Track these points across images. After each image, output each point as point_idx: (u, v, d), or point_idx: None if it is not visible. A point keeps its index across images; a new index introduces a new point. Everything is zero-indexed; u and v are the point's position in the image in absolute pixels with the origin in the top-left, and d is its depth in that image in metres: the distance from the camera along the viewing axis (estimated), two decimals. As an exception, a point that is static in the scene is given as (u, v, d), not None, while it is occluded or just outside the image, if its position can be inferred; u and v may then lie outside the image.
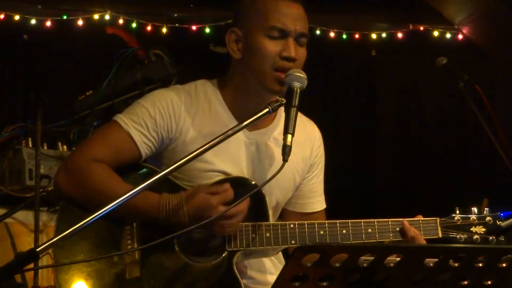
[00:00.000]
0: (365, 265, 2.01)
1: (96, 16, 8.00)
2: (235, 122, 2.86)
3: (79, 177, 2.78)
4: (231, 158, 2.87)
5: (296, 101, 2.65)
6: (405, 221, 2.83)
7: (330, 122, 8.54)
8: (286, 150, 2.57)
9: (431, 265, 2.04)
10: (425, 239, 2.83)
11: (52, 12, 8.00)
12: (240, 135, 2.85)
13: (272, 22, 2.81)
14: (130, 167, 2.84)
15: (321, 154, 3.11)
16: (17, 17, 7.88)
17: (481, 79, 7.63)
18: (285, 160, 2.55)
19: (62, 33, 7.95)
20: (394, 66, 8.77)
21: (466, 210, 2.87)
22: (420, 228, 2.85)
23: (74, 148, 4.35)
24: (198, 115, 2.88)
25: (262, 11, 2.84)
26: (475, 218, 2.85)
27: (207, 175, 2.83)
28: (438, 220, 2.87)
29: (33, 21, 7.93)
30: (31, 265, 2.07)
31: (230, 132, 2.53)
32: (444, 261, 2.04)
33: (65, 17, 7.98)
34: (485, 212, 2.86)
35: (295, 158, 2.88)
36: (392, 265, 2.02)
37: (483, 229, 2.83)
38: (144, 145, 2.83)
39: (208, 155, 2.70)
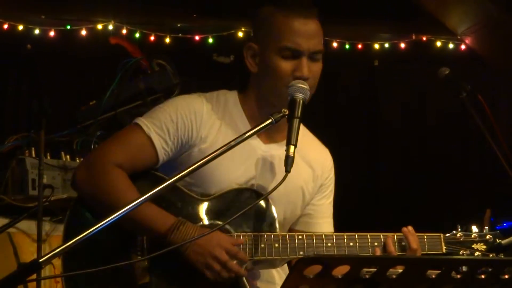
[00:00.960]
0: (367, 276, 2.01)
1: (99, 26, 8.01)
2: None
3: (98, 179, 2.81)
4: (244, 169, 2.89)
5: (298, 112, 2.67)
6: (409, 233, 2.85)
7: (333, 133, 8.54)
8: (288, 161, 2.58)
9: (434, 277, 2.04)
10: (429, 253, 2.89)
11: (56, 22, 8.02)
12: (256, 146, 2.89)
13: (285, 42, 2.83)
14: (142, 175, 2.86)
15: (332, 177, 3.14)
16: (20, 27, 7.89)
17: (484, 89, 7.65)
18: (287, 171, 2.57)
19: (66, 43, 7.96)
20: (397, 76, 8.77)
21: (467, 228, 2.94)
22: (425, 242, 2.88)
23: (96, 147, 4.34)
24: (217, 123, 2.91)
25: (275, 29, 2.86)
26: (476, 236, 2.90)
27: (219, 183, 2.85)
28: (442, 236, 2.92)
29: (36, 31, 7.94)
30: (34, 276, 2.07)
31: (233, 143, 2.53)
32: (447, 273, 2.04)
33: (68, 27, 8.00)
34: (485, 230, 2.91)
35: (306, 175, 2.90)
36: (394, 276, 2.02)
37: (484, 247, 2.89)
38: (163, 150, 2.85)
39: (222, 164, 2.73)
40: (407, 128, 8.79)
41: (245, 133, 2.58)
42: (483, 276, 2.07)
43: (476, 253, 2.87)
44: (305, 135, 3.03)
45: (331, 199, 3.13)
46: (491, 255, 2.87)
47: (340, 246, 2.83)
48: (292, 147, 2.60)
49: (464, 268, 2.06)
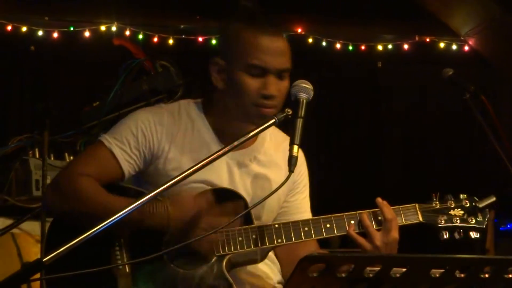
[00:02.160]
0: (371, 275, 2.01)
1: (103, 28, 8.03)
2: (217, 142, 2.91)
3: (67, 190, 2.81)
4: (214, 177, 2.89)
5: (302, 112, 2.66)
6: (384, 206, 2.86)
7: (335, 133, 8.55)
8: (292, 161, 2.58)
9: (437, 275, 2.04)
10: (406, 225, 2.87)
11: (59, 23, 8.04)
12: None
13: (252, 60, 2.82)
14: (114, 189, 2.84)
15: (304, 172, 3.13)
16: (24, 29, 7.91)
17: (487, 90, 7.65)
18: (291, 171, 2.56)
19: (69, 44, 7.98)
20: (400, 77, 8.77)
21: (442, 197, 2.93)
22: (401, 214, 2.88)
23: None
24: (180, 134, 2.92)
25: (243, 46, 2.84)
26: (452, 202, 2.90)
27: (188, 190, 2.84)
28: (417, 206, 2.91)
29: (40, 33, 7.96)
30: (38, 275, 2.07)
31: (219, 154, 2.50)
32: (450, 272, 2.04)
33: (72, 29, 8.01)
34: (461, 196, 2.91)
35: (278, 178, 2.89)
36: (398, 275, 2.02)
37: (461, 212, 2.88)
38: (127, 163, 2.87)
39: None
40: (410, 130, 8.78)
41: (241, 139, 2.56)
42: (487, 275, 2.07)
43: (454, 219, 2.86)
44: (272, 134, 3.04)
45: (305, 193, 3.13)
46: (469, 219, 2.86)
47: (317, 229, 2.82)
48: (295, 147, 2.59)
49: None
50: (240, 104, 2.85)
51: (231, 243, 2.78)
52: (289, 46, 2.91)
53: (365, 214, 2.87)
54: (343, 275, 2.00)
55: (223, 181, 2.91)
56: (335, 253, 2.51)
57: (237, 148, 2.76)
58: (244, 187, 2.93)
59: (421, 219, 2.89)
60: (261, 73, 2.82)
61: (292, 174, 2.95)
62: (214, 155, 2.48)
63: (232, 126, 2.90)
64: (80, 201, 2.77)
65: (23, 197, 4.50)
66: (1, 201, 4.40)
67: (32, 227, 4.47)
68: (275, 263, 3.05)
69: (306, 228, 2.82)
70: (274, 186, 2.80)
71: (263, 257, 2.91)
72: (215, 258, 2.77)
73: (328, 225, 2.84)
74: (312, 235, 2.83)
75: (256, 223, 2.87)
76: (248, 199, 2.86)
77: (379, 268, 2.01)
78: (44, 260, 2.04)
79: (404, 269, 2.02)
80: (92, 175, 2.83)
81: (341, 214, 2.86)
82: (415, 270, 2.01)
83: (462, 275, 2.05)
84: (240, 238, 2.79)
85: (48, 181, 4.27)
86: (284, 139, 3.00)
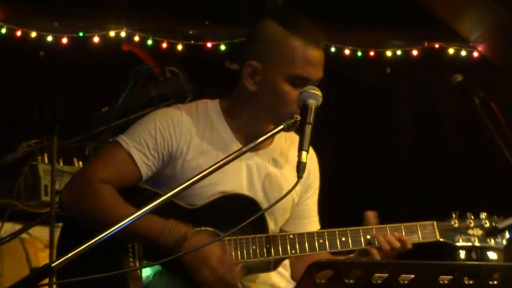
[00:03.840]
0: (379, 282, 2.01)
1: (112, 33, 8.04)
2: (236, 143, 2.90)
3: (85, 197, 2.81)
4: (232, 179, 2.88)
5: (311, 118, 2.66)
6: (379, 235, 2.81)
7: (344, 140, 8.54)
8: (301, 167, 2.56)
9: (446, 282, 2.03)
10: (423, 243, 2.84)
11: (69, 29, 8.06)
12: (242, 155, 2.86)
13: (298, 71, 2.80)
14: (131, 190, 2.85)
15: (317, 176, 3.13)
16: (33, 34, 7.93)
17: (497, 96, 7.63)
18: (299, 176, 2.55)
19: (78, 50, 7.99)
20: (409, 83, 8.76)
21: (462, 215, 2.88)
22: (418, 231, 2.85)
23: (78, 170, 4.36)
24: (198, 134, 2.89)
25: (288, 54, 2.81)
26: (471, 222, 2.86)
27: (205, 197, 2.84)
28: (435, 223, 2.88)
29: (49, 38, 7.98)
30: (46, 281, 2.07)
31: (237, 153, 2.50)
32: (459, 279, 2.04)
33: (81, 34, 8.03)
34: (481, 216, 2.88)
35: (294, 179, 2.89)
36: (406, 282, 2.02)
37: (480, 232, 2.85)
38: (144, 165, 2.85)
39: (209, 177, 2.71)
40: (419, 136, 8.77)
41: (249, 144, 2.56)
42: (495, 282, 2.06)
43: (473, 239, 2.83)
44: (287, 136, 3.02)
45: (316, 197, 3.13)
46: (488, 239, 2.83)
47: (332, 242, 2.81)
48: (304, 153, 2.58)
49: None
50: (273, 109, 2.83)
51: (244, 252, 2.77)
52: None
53: (381, 237, 2.82)
54: (351, 281, 1.99)
55: (243, 184, 2.89)
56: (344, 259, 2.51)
57: (254, 149, 2.78)
58: (262, 188, 2.92)
59: (438, 237, 2.86)
60: (302, 84, 2.79)
61: (307, 176, 2.97)
62: (231, 156, 2.46)
63: (255, 128, 2.88)
64: (97, 209, 2.77)
65: (31, 202, 4.51)
66: (10, 206, 4.40)
67: (41, 232, 4.47)
68: (287, 269, 3.04)
69: (321, 241, 2.80)
70: (290, 186, 2.81)
71: (276, 266, 2.91)
72: None
73: (343, 239, 2.82)
74: (326, 247, 2.81)
75: (270, 224, 2.87)
76: (266, 199, 2.86)
77: (387, 275, 2.00)
78: (53, 265, 2.04)
79: (412, 276, 2.02)
80: (110, 179, 2.81)
81: (357, 228, 2.84)
82: (423, 277, 2.01)
83: (471, 282, 2.04)
84: (254, 247, 2.77)
85: (57, 186, 4.27)
86: (295, 138, 3.00)
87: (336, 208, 3.22)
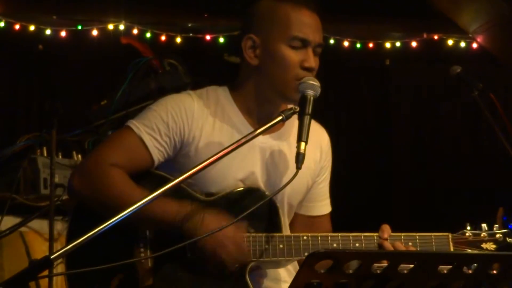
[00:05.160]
0: (378, 272, 2.01)
1: (110, 26, 8.03)
2: (248, 127, 2.89)
3: (95, 181, 2.79)
4: (245, 164, 2.87)
5: (309, 109, 2.66)
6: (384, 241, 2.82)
7: (344, 131, 8.53)
8: (299, 158, 2.57)
9: (445, 272, 2.03)
10: None
11: (67, 22, 8.05)
12: (254, 139, 2.85)
13: (295, 32, 2.83)
14: (143, 175, 2.84)
15: (330, 158, 3.12)
16: (32, 28, 7.93)
17: (496, 88, 7.64)
18: (298, 167, 2.55)
19: (77, 43, 7.99)
20: (409, 75, 8.75)
21: (476, 226, 2.89)
22: (432, 243, 2.85)
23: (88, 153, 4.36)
24: (210, 120, 2.89)
25: (283, 20, 2.85)
26: (485, 235, 2.87)
27: (221, 181, 2.84)
28: (450, 236, 2.87)
29: (48, 32, 7.97)
30: (46, 272, 2.07)
31: (243, 140, 2.52)
32: (458, 268, 2.04)
33: (80, 27, 8.02)
34: (495, 228, 2.88)
35: (307, 162, 2.88)
36: (405, 272, 2.01)
37: (494, 246, 2.85)
38: (156, 150, 2.83)
39: (222, 161, 2.65)
40: (418, 127, 8.77)
41: (254, 131, 2.57)
42: (495, 272, 2.06)
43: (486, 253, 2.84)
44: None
45: (328, 180, 3.13)
46: None
47: (346, 247, 2.81)
48: (303, 144, 2.58)
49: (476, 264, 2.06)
50: (280, 79, 2.84)
51: (257, 251, 2.76)
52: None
53: (398, 243, 2.82)
54: (351, 271, 1.99)
55: (256, 169, 2.88)
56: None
57: (267, 131, 2.77)
58: (275, 172, 2.91)
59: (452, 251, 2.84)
60: (301, 46, 2.83)
61: (319, 158, 2.97)
62: (240, 141, 2.49)
63: (263, 108, 2.89)
64: (107, 192, 2.76)
65: (31, 195, 4.51)
66: (10, 199, 4.40)
67: (41, 225, 4.47)
68: (294, 265, 3.03)
69: (334, 245, 2.80)
70: (304, 170, 2.81)
71: (287, 263, 2.92)
72: (238, 264, 2.75)
73: (357, 244, 2.82)
74: None
75: (285, 210, 2.89)
76: (279, 182, 2.84)
77: (386, 265, 2.00)
78: (52, 257, 2.03)
79: (411, 266, 2.02)
80: (121, 163, 2.80)
81: (372, 234, 2.84)
82: (422, 266, 2.01)
83: (470, 272, 2.05)
84: (266, 246, 2.77)
85: (56, 179, 4.27)
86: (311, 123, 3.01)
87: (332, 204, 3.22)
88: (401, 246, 2.79)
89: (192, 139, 2.86)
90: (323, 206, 3.11)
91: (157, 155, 2.84)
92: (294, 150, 2.60)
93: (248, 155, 2.87)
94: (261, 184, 2.89)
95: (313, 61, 2.84)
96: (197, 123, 2.87)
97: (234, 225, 2.67)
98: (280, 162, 2.91)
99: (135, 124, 2.86)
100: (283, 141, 2.95)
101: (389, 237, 2.82)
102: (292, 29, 2.84)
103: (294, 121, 2.77)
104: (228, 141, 2.75)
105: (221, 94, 2.96)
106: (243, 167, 2.87)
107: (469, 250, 2.84)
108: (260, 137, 2.82)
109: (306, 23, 2.85)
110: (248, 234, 2.77)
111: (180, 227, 2.70)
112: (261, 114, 2.87)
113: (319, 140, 3.08)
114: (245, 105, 2.93)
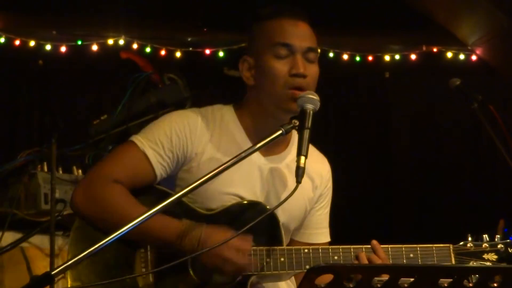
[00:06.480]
0: (379, 285, 2.01)
1: (110, 41, 8.04)
2: (250, 144, 2.88)
3: (97, 197, 2.79)
4: (246, 182, 2.87)
5: (309, 123, 2.65)
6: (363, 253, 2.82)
7: (343, 145, 8.53)
8: (299, 172, 2.56)
9: (446, 285, 2.03)
10: None
11: (67, 37, 8.06)
12: (256, 159, 2.86)
13: (277, 39, 2.85)
14: (145, 189, 2.84)
15: (330, 186, 3.12)
16: (32, 43, 7.93)
17: (495, 100, 7.63)
18: (298, 182, 2.54)
19: (77, 58, 7.99)
20: (408, 87, 8.75)
21: (478, 237, 2.88)
22: (434, 254, 2.84)
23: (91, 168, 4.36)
24: (214, 137, 2.89)
25: (268, 32, 2.89)
26: (487, 245, 2.86)
27: (221, 197, 2.84)
28: (451, 247, 2.87)
29: (48, 47, 7.98)
30: (47, 288, 2.07)
31: (243, 155, 2.51)
32: (459, 282, 2.04)
33: (79, 43, 8.03)
34: (496, 239, 2.87)
35: (307, 186, 2.90)
36: (406, 285, 2.01)
37: (495, 257, 2.84)
38: (159, 165, 2.84)
39: (222, 178, 2.67)
40: (418, 140, 8.77)
41: (253, 146, 2.56)
42: (495, 285, 2.06)
43: (487, 264, 2.83)
44: None
45: (328, 209, 3.12)
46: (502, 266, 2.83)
47: (347, 259, 2.80)
48: (303, 158, 2.58)
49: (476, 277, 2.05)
50: (272, 92, 2.85)
51: (258, 264, 2.76)
52: (314, 33, 2.93)
53: (373, 255, 2.80)
54: (351, 285, 1.99)
55: (256, 189, 2.89)
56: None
57: (268, 153, 2.82)
58: (275, 194, 2.91)
59: (453, 262, 2.83)
60: (287, 54, 2.84)
61: (319, 184, 2.98)
62: (237, 157, 2.48)
63: (265, 125, 2.88)
64: (108, 209, 2.76)
65: (32, 211, 4.51)
66: (10, 215, 4.40)
67: (41, 241, 4.47)
68: (293, 280, 3.03)
69: (336, 257, 2.80)
70: (303, 193, 2.79)
71: (288, 277, 2.92)
72: (240, 277, 2.76)
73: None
74: None
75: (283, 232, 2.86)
76: (280, 200, 2.84)
77: (387, 279, 2.00)
78: (53, 273, 2.04)
79: (412, 279, 2.02)
80: (124, 179, 2.80)
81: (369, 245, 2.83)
82: (423, 280, 2.01)
83: (471, 285, 2.04)
84: (268, 259, 2.77)
85: (57, 195, 4.28)
86: (314, 151, 3.02)
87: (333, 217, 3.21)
88: (376, 259, 2.78)
89: (195, 155, 2.86)
90: (321, 234, 3.10)
91: (160, 170, 2.85)
92: (293, 171, 2.58)
93: (249, 173, 2.88)
94: (261, 200, 2.89)
95: (301, 67, 2.83)
96: (200, 140, 2.87)
97: (240, 237, 2.67)
98: (280, 183, 2.92)
99: (139, 139, 2.86)
100: (283, 162, 2.96)
101: (390, 249, 2.82)
102: (274, 37, 2.86)
103: (295, 143, 2.77)
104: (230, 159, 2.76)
105: (226, 113, 2.97)
106: (244, 185, 2.87)
107: (471, 261, 2.84)
108: (262, 158, 2.86)
109: (289, 30, 2.87)
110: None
111: (180, 243, 2.70)
112: (262, 131, 2.87)
113: (321, 168, 3.09)
114: (249, 124, 2.94)
